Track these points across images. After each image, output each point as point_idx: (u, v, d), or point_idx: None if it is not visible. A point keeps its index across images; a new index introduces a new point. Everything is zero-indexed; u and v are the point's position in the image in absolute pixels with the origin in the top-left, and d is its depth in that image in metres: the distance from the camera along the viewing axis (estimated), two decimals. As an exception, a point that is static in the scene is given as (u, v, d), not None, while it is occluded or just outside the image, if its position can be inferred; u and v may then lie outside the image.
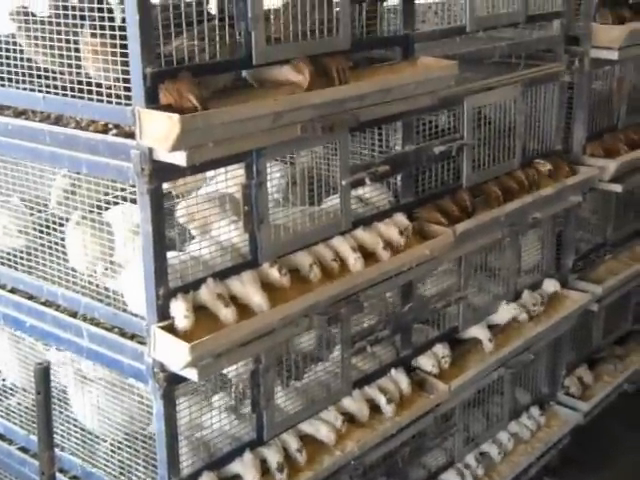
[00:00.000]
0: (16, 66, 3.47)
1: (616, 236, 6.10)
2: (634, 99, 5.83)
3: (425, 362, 4.53)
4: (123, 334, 3.43)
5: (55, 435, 3.59)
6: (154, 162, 3.05)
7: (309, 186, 3.94)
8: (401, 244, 3.94)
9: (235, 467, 3.63)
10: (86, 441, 3.86)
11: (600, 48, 5.25)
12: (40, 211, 3.84)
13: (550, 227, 5.40)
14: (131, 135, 3.09)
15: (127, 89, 3.06)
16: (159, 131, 2.94)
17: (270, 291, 3.43)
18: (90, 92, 3.20)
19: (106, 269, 3.54)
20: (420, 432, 4.53)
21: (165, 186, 3.30)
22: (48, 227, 3.69)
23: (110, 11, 3.14)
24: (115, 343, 3.43)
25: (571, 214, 5.56)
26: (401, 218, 4.06)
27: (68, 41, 3.24)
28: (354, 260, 3.72)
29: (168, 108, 2.99)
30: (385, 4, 4.18)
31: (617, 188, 5.55)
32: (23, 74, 3.45)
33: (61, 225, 3.66)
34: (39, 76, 3.38)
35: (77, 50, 3.23)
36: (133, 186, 3.17)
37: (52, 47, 3.29)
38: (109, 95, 3.14)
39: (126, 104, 3.08)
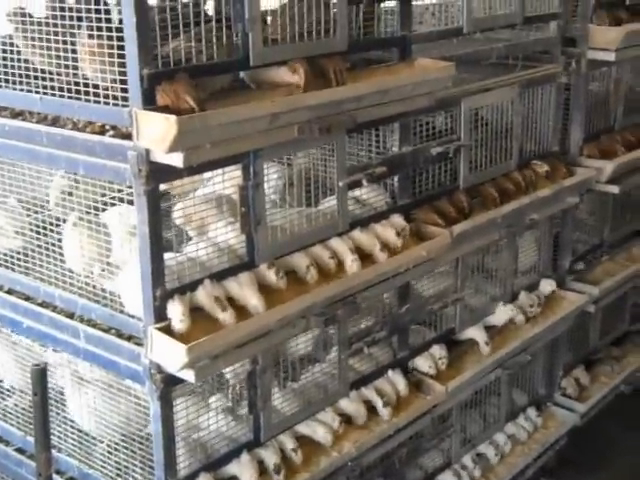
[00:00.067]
0: (13, 67, 3.46)
1: (613, 237, 6.10)
2: (631, 100, 5.84)
3: (422, 363, 4.54)
4: (120, 335, 3.43)
5: (52, 436, 3.58)
6: (151, 163, 3.05)
7: (306, 187, 3.94)
8: (398, 246, 3.94)
9: (232, 468, 3.63)
10: (83, 442, 3.85)
11: (597, 49, 5.26)
12: (37, 212, 3.84)
13: (547, 228, 5.41)
14: (128, 136, 3.09)
15: (124, 90, 3.06)
16: (156, 132, 2.94)
17: (267, 292, 3.43)
18: (87, 93, 3.20)
19: (103, 270, 3.53)
20: (417, 433, 4.53)
21: (164, 187, 3.30)
22: (45, 228, 3.69)
23: (107, 12, 3.13)
24: (112, 344, 3.42)
25: (568, 215, 5.57)
26: (398, 219, 4.07)
27: (65, 42, 3.24)
28: (351, 262, 3.72)
29: (165, 109, 2.99)
30: (382, 5, 4.18)
31: (614, 189, 5.56)
32: (20, 75, 3.45)
33: (58, 226, 3.65)
34: (36, 77, 3.38)
35: (74, 51, 3.23)
36: (130, 187, 3.17)
37: (49, 48, 3.28)
38: (106, 96, 3.14)
39: (123, 105, 3.08)
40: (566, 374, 5.86)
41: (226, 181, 3.44)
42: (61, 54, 3.25)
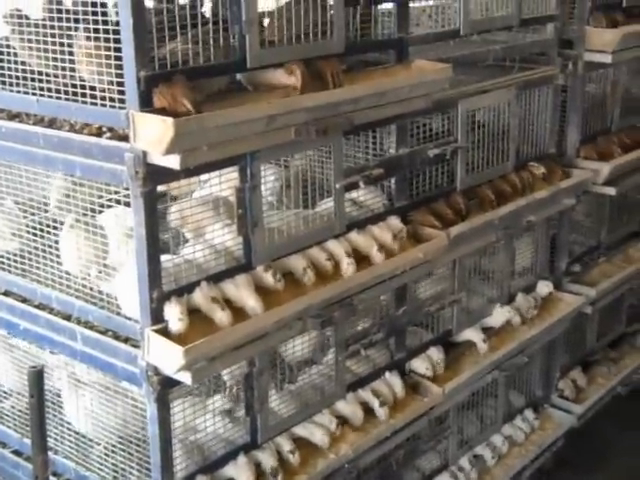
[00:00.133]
0: (10, 69, 3.46)
1: (610, 239, 6.11)
2: (627, 102, 5.84)
3: (419, 365, 4.54)
4: (117, 337, 3.42)
5: (49, 438, 3.58)
6: (148, 165, 3.05)
7: (303, 189, 3.95)
8: (394, 249, 3.94)
9: (229, 471, 3.63)
10: (80, 445, 3.85)
11: (594, 51, 5.26)
12: (34, 214, 3.84)
13: (544, 230, 5.41)
14: (125, 138, 3.09)
15: (121, 92, 3.06)
16: (153, 134, 2.94)
17: (264, 294, 3.43)
18: (84, 95, 3.20)
19: (100, 272, 3.53)
20: (414, 435, 4.53)
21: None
22: (42, 230, 3.68)
23: (104, 14, 3.13)
24: (109, 346, 3.42)
25: (565, 217, 5.57)
26: (395, 221, 4.07)
27: (62, 44, 3.23)
28: (346, 265, 3.72)
29: (162, 111, 2.98)
30: (379, 7, 4.18)
31: (611, 191, 5.56)
32: (17, 77, 3.45)
33: (55, 228, 3.65)
34: (33, 79, 3.38)
35: (71, 53, 3.23)
36: (127, 189, 3.17)
37: (46, 50, 3.28)
38: (103, 98, 3.14)
39: (120, 107, 3.08)
40: (563, 376, 5.86)
41: (223, 183, 3.44)
42: (58, 56, 3.25)
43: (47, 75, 3.31)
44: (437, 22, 4.55)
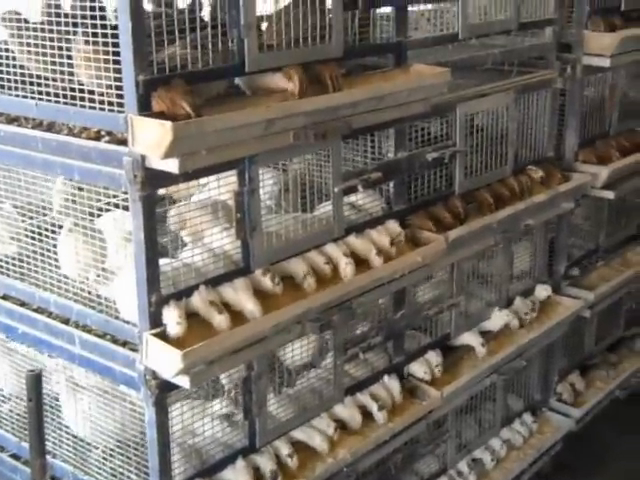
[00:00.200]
0: (9, 73, 3.46)
1: (608, 242, 6.11)
2: (626, 106, 5.85)
3: (417, 369, 4.53)
4: (115, 341, 3.42)
5: (47, 442, 3.58)
6: (146, 169, 3.05)
7: (302, 193, 3.95)
8: (392, 254, 3.95)
9: (227, 474, 3.62)
10: (78, 448, 3.85)
11: (592, 55, 5.27)
12: (32, 218, 3.83)
13: (542, 234, 5.41)
14: (124, 142, 3.09)
15: (120, 96, 3.06)
16: (152, 138, 2.94)
17: (262, 298, 3.43)
18: (83, 99, 3.20)
19: (98, 276, 3.53)
20: (412, 439, 4.52)
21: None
22: (40, 234, 3.68)
23: (103, 18, 3.13)
24: (107, 350, 3.42)
25: (563, 221, 5.57)
26: (393, 225, 4.07)
27: (61, 48, 3.23)
28: (345, 265, 3.72)
29: (161, 115, 2.99)
30: (378, 11, 4.18)
31: (609, 195, 5.57)
32: (16, 81, 3.45)
33: (53, 232, 3.64)
34: (32, 83, 3.38)
35: (70, 57, 3.23)
36: (125, 193, 3.17)
37: (45, 54, 3.28)
38: (102, 102, 3.14)
39: (119, 111, 3.08)
40: (561, 379, 5.86)
41: (222, 187, 3.44)
42: (57, 60, 3.25)
43: (46, 79, 3.31)
44: (436, 26, 4.56)
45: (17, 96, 3.45)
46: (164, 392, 3.30)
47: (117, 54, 3.01)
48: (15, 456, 4.11)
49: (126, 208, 3.19)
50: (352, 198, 4.08)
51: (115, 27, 3.01)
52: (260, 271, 3.49)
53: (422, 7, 4.73)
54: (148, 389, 3.26)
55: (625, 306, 6.43)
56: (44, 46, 3.28)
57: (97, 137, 3.26)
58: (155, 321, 3.20)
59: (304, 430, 3.93)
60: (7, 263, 3.82)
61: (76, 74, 3.23)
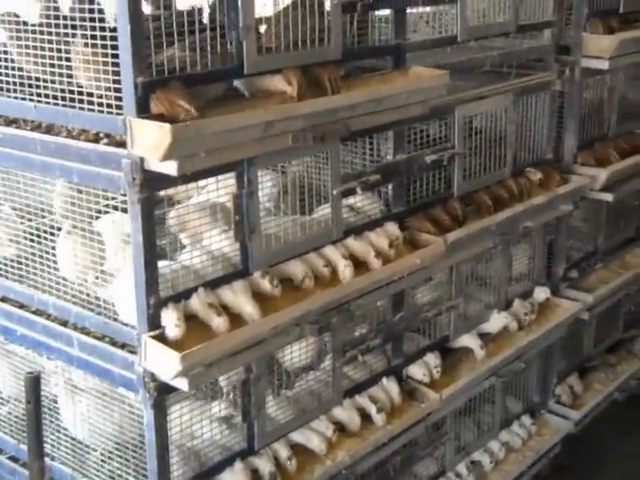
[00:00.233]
0: (7, 75, 3.46)
1: (607, 245, 6.11)
2: (624, 108, 5.85)
3: (416, 371, 4.53)
4: (114, 343, 3.42)
5: (45, 444, 3.58)
6: (145, 171, 3.05)
7: (300, 195, 3.95)
8: (390, 257, 3.95)
9: (226, 477, 3.62)
10: (76, 451, 3.85)
11: (591, 57, 5.27)
12: (31, 220, 3.83)
13: (541, 236, 5.41)
14: (122, 144, 3.09)
15: (118, 98, 3.06)
16: (150, 141, 2.94)
17: (261, 300, 3.43)
18: (81, 101, 3.20)
19: (97, 278, 3.53)
20: (411, 441, 4.53)
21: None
22: (39, 236, 3.68)
23: (102, 21, 3.13)
24: (106, 352, 3.42)
25: (562, 223, 5.58)
26: (392, 227, 4.07)
27: (60, 50, 3.24)
28: (344, 267, 3.72)
29: (159, 118, 2.99)
30: (376, 14, 4.19)
31: (608, 197, 5.57)
32: (14, 83, 3.45)
33: (52, 234, 3.64)
34: (30, 85, 3.38)
35: (68, 59, 3.23)
36: (124, 195, 3.17)
37: (44, 56, 3.28)
38: (100, 104, 3.14)
39: (117, 113, 3.08)
40: (560, 382, 5.86)
41: (220, 189, 3.44)
42: (55, 62, 3.25)
43: (45, 81, 3.31)
44: (434, 28, 4.56)
45: (16, 98, 3.45)
46: (163, 394, 3.29)
47: (116, 56, 3.01)
48: (13, 458, 4.10)
49: (125, 210, 3.19)
50: (351, 200, 4.08)
51: (114, 29, 3.01)
52: (259, 273, 3.49)
53: (421, 9, 4.73)
54: (147, 391, 3.25)
55: (624, 308, 6.43)
56: (43, 48, 3.28)
57: (96, 139, 3.26)
58: (154, 323, 3.20)
59: (303, 432, 3.93)
60: (6, 265, 3.82)
61: (75, 76, 3.23)
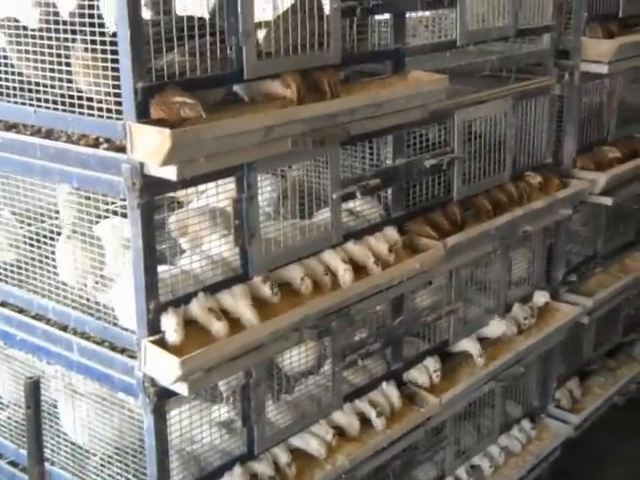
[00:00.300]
0: (7, 80, 3.46)
1: (606, 249, 6.11)
2: (624, 112, 5.86)
3: (416, 375, 4.53)
4: (113, 348, 3.42)
5: (45, 449, 3.57)
6: (145, 176, 3.05)
7: (300, 200, 3.95)
8: (390, 261, 3.95)
9: (225, 481, 3.63)
10: (76, 455, 3.84)
11: (590, 62, 5.28)
12: (30, 224, 3.83)
13: (541, 240, 5.41)
14: (122, 149, 3.09)
15: (118, 103, 3.06)
16: (150, 145, 2.94)
17: (260, 305, 3.43)
18: (81, 106, 3.20)
19: (97, 283, 3.53)
20: (411, 445, 4.52)
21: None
22: (39, 241, 3.68)
23: (102, 26, 3.13)
24: (105, 357, 3.42)
25: (561, 227, 5.58)
26: (391, 232, 4.07)
27: (59, 55, 3.24)
28: (343, 271, 3.72)
29: (159, 122, 2.99)
30: (376, 18, 4.19)
31: (607, 201, 5.57)
32: (14, 88, 3.45)
33: (52, 239, 3.64)
34: (30, 90, 3.38)
35: (68, 64, 3.23)
36: (124, 200, 3.17)
37: (43, 61, 3.28)
38: (100, 109, 3.14)
39: (117, 118, 3.08)
40: (560, 386, 5.86)
41: (220, 194, 3.44)
42: (55, 67, 3.25)
43: (44, 86, 3.31)
44: (434, 33, 4.57)
45: (16, 103, 3.45)
46: (162, 399, 3.29)
47: (116, 61, 3.01)
48: (13, 463, 4.10)
49: (124, 215, 3.19)
50: (350, 205, 4.08)
51: (114, 34, 3.01)
52: (259, 278, 3.49)
53: (420, 14, 4.74)
54: (146, 396, 3.25)
55: (623, 312, 6.44)
56: (43, 53, 3.28)
57: (96, 144, 3.26)
58: (153, 328, 3.20)
59: (302, 437, 3.93)
60: (5, 270, 3.82)
61: (75, 81, 3.23)
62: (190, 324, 3.25)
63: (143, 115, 3.01)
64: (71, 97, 3.22)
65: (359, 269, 3.83)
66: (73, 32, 3.18)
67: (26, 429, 3.36)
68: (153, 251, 3.17)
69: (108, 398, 3.71)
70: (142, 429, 3.41)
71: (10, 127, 3.58)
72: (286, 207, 3.98)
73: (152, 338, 3.18)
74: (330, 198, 3.79)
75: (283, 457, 3.78)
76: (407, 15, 4.14)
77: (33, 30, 3.34)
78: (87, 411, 3.75)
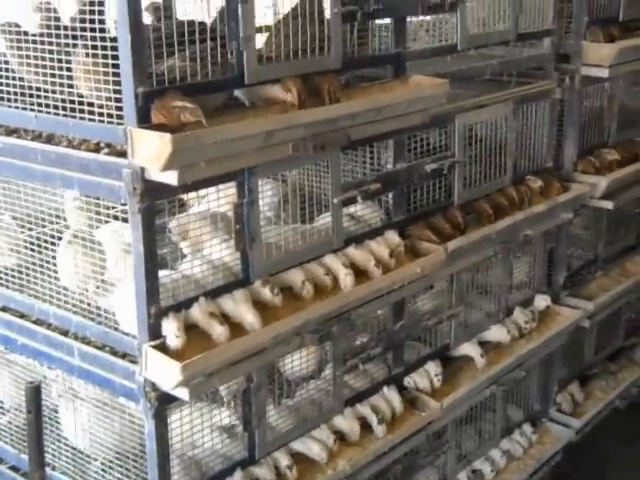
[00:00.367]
0: (8, 84, 3.47)
1: (607, 252, 6.11)
2: (624, 116, 5.86)
3: (417, 380, 4.53)
4: (114, 353, 3.41)
5: (46, 454, 3.57)
6: (146, 181, 3.05)
7: (301, 204, 3.95)
8: (391, 266, 3.95)
9: (226, 486, 3.62)
10: (77, 460, 3.84)
11: (590, 66, 5.28)
12: (31, 229, 3.84)
13: (542, 244, 5.41)
14: (123, 154, 3.09)
15: (119, 108, 3.07)
16: (151, 150, 2.94)
17: (261, 309, 3.43)
18: (82, 111, 3.20)
19: (97, 288, 3.53)
20: (412, 450, 4.52)
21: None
22: (40, 245, 3.68)
23: (102, 31, 3.13)
24: (106, 362, 3.41)
25: (562, 231, 5.57)
26: (392, 236, 4.07)
27: (60, 60, 3.24)
28: (344, 275, 3.72)
29: (160, 127, 2.99)
30: (376, 22, 4.19)
31: (608, 205, 5.57)
32: (15, 93, 3.45)
33: (53, 244, 3.65)
34: (31, 95, 3.38)
35: (69, 69, 3.23)
36: (125, 205, 3.17)
37: (44, 66, 3.29)
38: (101, 114, 3.14)
39: (118, 123, 3.08)
40: (561, 390, 5.85)
41: (221, 198, 3.44)
42: (56, 72, 3.25)
43: (45, 91, 3.31)
44: (434, 37, 4.56)
45: (17, 108, 3.46)
46: (163, 404, 3.29)
47: (116, 66, 3.01)
48: (14, 468, 4.09)
49: (125, 220, 3.19)
50: (351, 209, 4.08)
51: (114, 39, 3.02)
52: (260, 282, 3.49)
53: (421, 18, 4.73)
54: (147, 401, 3.25)
55: (624, 316, 6.43)
56: (44, 58, 3.28)
57: (96, 149, 3.26)
58: (154, 333, 3.19)
59: (303, 441, 3.93)
60: (6, 275, 3.82)
61: (76, 86, 3.23)
62: (191, 329, 3.25)
63: (144, 120, 3.01)
64: (72, 102, 3.22)
65: (360, 273, 3.83)
66: (74, 37, 3.18)
67: (27, 434, 3.35)
68: (154, 256, 3.17)
69: (109, 403, 3.70)
70: (143, 434, 3.41)
71: (11, 132, 3.58)
72: (287, 212, 3.98)
73: (153, 343, 3.18)
74: (331, 202, 3.79)
75: (284, 461, 3.78)
76: (408, 19, 4.14)
77: (34, 35, 3.35)
78: (88, 416, 3.75)
